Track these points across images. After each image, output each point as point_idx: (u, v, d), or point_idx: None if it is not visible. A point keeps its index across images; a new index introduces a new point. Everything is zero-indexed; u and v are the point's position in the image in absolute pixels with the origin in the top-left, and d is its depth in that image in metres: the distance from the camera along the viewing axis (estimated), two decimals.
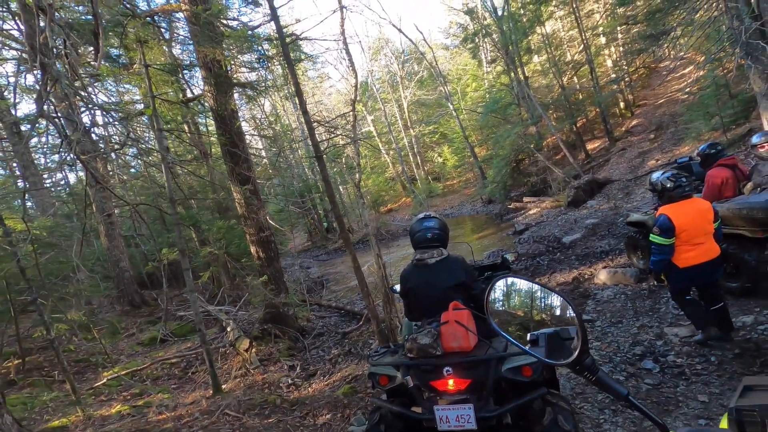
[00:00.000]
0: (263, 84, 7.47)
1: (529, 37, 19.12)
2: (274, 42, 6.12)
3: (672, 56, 19.41)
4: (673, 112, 15.64)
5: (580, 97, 19.66)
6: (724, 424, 0.80)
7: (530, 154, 17.28)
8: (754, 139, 4.60)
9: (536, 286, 0.63)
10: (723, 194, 4.73)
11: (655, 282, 5.26)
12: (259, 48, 6.53)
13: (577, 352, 0.57)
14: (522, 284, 0.66)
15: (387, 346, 2.85)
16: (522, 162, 18.35)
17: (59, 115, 4.25)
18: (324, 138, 7.21)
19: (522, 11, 18.87)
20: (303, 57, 7.70)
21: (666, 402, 3.30)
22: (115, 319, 8.89)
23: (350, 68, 6.01)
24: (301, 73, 20.14)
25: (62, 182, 14.62)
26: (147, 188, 13.62)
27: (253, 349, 6.58)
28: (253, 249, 7.17)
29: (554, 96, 19.53)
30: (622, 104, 19.76)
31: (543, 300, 0.63)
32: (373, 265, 6.02)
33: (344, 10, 5.59)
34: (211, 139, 10.85)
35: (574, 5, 17.70)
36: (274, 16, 5.32)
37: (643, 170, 12.30)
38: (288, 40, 5.76)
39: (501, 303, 0.68)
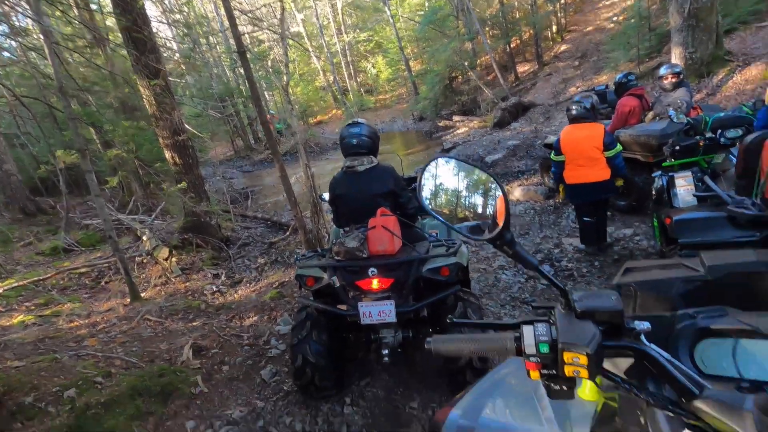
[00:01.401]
0: None
1: None
2: None
3: None
4: (598, 41, 16.18)
5: (517, 15, 19.43)
6: None
7: (464, 72, 17.17)
8: (661, 71, 4.97)
9: (467, 165, 0.64)
10: (629, 122, 5.18)
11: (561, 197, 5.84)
12: None
13: (499, 228, 0.59)
14: (453, 164, 0.66)
15: (315, 251, 2.90)
16: (455, 80, 18.24)
17: None
18: (247, 31, 6.39)
19: None
20: None
21: (555, 298, 3.86)
22: (4, 227, 7.92)
23: None
24: None
25: None
26: (28, 78, 11.43)
27: (174, 258, 6.37)
28: (167, 154, 6.56)
29: (493, 12, 19.05)
30: (554, 27, 19.93)
31: (472, 178, 0.64)
32: (302, 175, 5.88)
33: None
34: (108, 24, 9.15)
35: None
36: None
37: (565, 96, 12.93)
38: None
39: (432, 183, 0.68)
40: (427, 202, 0.69)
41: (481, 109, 15.56)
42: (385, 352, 2.52)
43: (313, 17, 28.05)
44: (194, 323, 4.19)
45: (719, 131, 3.73)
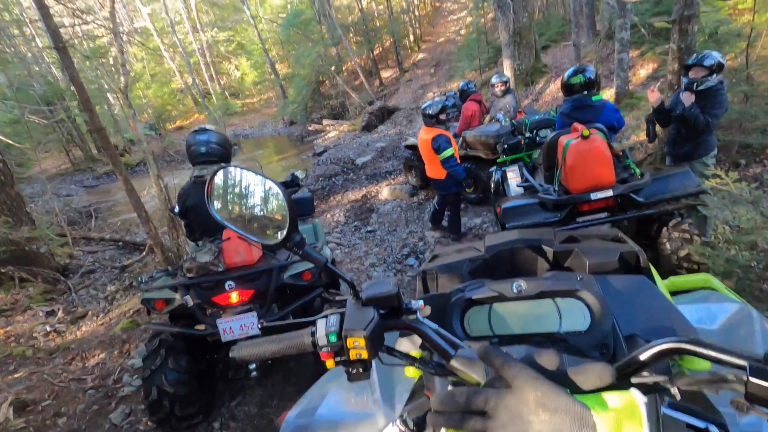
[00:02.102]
0: None
1: None
2: None
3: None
4: (449, 51, 18.00)
5: (378, 24, 20.47)
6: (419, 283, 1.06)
7: (331, 77, 17.43)
8: (492, 80, 5.76)
9: (252, 174, 0.66)
10: (472, 124, 5.88)
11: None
12: None
13: (285, 232, 0.63)
14: (239, 173, 0.67)
15: (164, 270, 2.64)
16: (323, 84, 18.40)
17: None
18: (69, 24, 5.44)
19: None
20: None
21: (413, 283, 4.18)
22: None
23: None
24: None
25: None
26: None
27: None
28: None
29: (354, 18, 19.72)
30: (411, 37, 21.53)
31: (258, 185, 0.66)
32: (154, 186, 5.28)
33: None
34: None
35: None
36: None
37: (423, 101, 14.06)
38: None
39: (222, 193, 0.69)
40: (216, 212, 0.69)
41: (349, 113, 15.99)
42: (252, 366, 2.43)
43: (163, 12, 25.39)
44: (17, 374, 3.45)
45: (535, 131, 4.49)
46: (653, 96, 3.28)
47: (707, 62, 2.92)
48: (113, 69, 16.66)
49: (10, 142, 8.09)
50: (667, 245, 2.70)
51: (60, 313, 5.10)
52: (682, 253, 2.63)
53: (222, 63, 30.35)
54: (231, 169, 0.68)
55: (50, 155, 19.10)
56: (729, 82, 4.63)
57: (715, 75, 2.91)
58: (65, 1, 4.40)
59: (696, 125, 2.98)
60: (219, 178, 0.68)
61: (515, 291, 0.77)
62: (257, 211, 0.66)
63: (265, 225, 0.66)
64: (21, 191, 6.54)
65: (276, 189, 0.63)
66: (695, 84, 2.98)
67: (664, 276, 1.72)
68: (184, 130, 24.47)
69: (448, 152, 4.23)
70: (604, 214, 2.76)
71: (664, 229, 2.72)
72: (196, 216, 2.66)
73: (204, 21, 28.20)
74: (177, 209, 2.85)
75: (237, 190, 0.67)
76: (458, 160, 4.38)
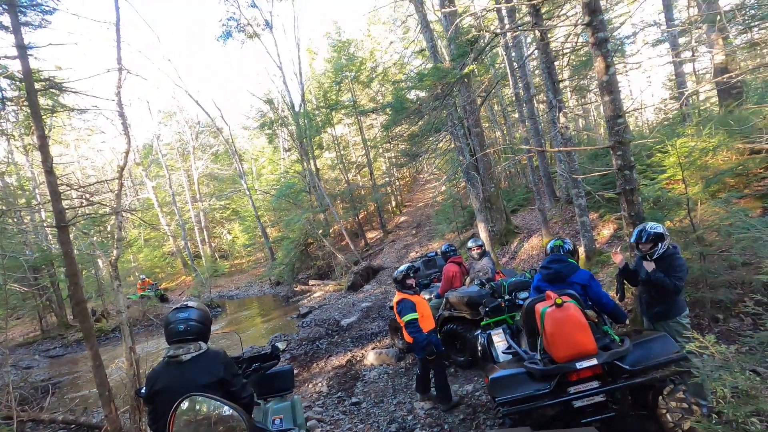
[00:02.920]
0: None
1: (321, 135, 21.45)
2: (18, 83, 5.02)
3: (427, 171, 24.85)
4: (428, 214, 19.63)
5: (362, 193, 22.69)
6: None
7: (318, 239, 18.37)
8: (468, 244, 6.16)
9: (216, 403, 0.67)
10: (454, 284, 6.04)
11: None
12: None
13: None
14: (204, 403, 0.68)
15: None
16: (310, 246, 19.26)
17: None
18: (76, 205, 5.91)
19: (317, 111, 21.27)
20: (59, 108, 6.45)
21: None
22: None
23: (124, 133, 5.37)
24: (60, 122, 16.75)
25: None
26: None
27: None
28: None
29: (341, 189, 21.91)
30: (393, 203, 23.67)
31: (222, 413, 0.67)
32: (125, 360, 4.96)
33: (123, 72, 5.11)
34: None
35: (358, 117, 21.07)
36: (21, 54, 4.43)
37: (407, 260, 14.63)
38: (39, 86, 4.82)
39: (186, 423, 0.68)
40: None
41: (335, 272, 16.36)
42: None
43: (166, 185, 27.90)
44: None
45: (514, 293, 4.62)
46: (617, 258, 3.52)
47: (645, 239, 3.22)
48: (108, 237, 17.37)
49: None
50: (668, 417, 2.55)
51: None
52: (686, 425, 2.47)
53: (215, 227, 32.07)
54: (195, 397, 0.69)
55: (21, 322, 18.28)
56: (683, 242, 5.05)
57: (660, 244, 3.19)
58: (78, 188, 4.91)
59: (665, 288, 3.12)
60: (183, 406, 0.69)
61: None
62: None
63: None
64: None
65: (239, 418, 0.63)
66: (648, 255, 3.24)
67: None
68: (168, 291, 24.27)
69: (407, 317, 4.17)
70: (595, 383, 2.66)
71: (660, 397, 2.61)
72: (163, 402, 2.43)
73: (203, 192, 30.84)
74: (144, 391, 2.64)
75: (199, 419, 0.67)
76: (423, 328, 4.26)
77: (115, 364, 6.82)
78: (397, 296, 4.41)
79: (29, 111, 4.78)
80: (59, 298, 17.74)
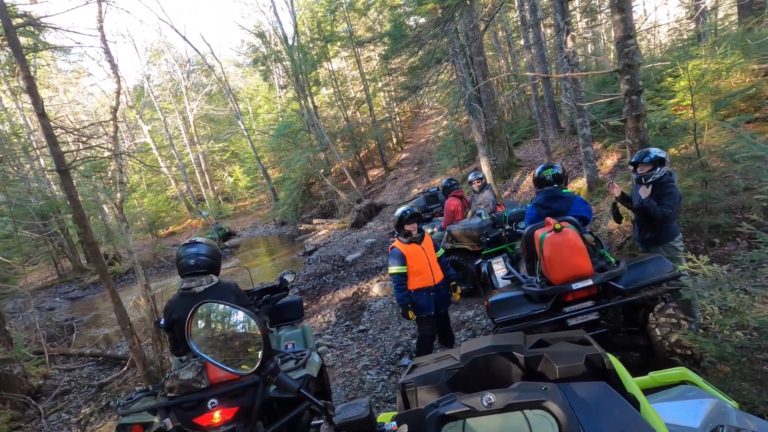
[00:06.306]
0: None
1: (318, 70, 20.56)
2: None
3: (428, 105, 24.13)
4: (430, 150, 19.37)
5: (362, 130, 22.23)
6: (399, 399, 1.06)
7: (319, 179, 18.35)
8: (469, 177, 6.15)
9: (229, 308, 0.72)
10: (456, 218, 6.13)
11: None
12: None
13: (260, 360, 0.67)
14: (219, 308, 0.73)
15: (144, 390, 2.52)
16: (312, 185, 19.29)
17: None
18: (73, 149, 5.86)
19: (311, 44, 20.22)
20: (41, 47, 6.15)
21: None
22: None
23: (112, 72, 5.16)
24: (44, 63, 16.04)
25: None
26: None
27: None
28: None
29: (340, 127, 21.43)
30: (394, 139, 23.26)
31: (234, 317, 0.71)
32: (141, 298, 5.22)
33: (102, 3, 4.80)
34: None
35: (356, 49, 20.04)
36: None
37: (409, 197, 14.71)
38: (16, 22, 4.57)
39: (201, 326, 0.74)
40: (195, 344, 0.74)
41: (338, 211, 16.54)
42: None
43: (162, 128, 27.38)
44: None
45: (514, 223, 4.69)
46: (614, 189, 3.57)
47: (647, 159, 3.23)
48: (111, 182, 17.41)
49: (1, 258, 8.09)
50: (657, 331, 2.70)
51: None
52: (673, 338, 2.62)
53: (216, 170, 31.94)
54: (208, 303, 0.74)
55: (38, 267, 18.92)
56: (686, 169, 5.02)
57: (659, 168, 3.19)
58: (73, 130, 4.83)
59: (654, 216, 3.18)
60: (199, 312, 0.74)
61: (485, 405, 0.79)
62: (233, 341, 0.71)
63: (240, 354, 0.70)
64: (3, 307, 6.37)
65: (251, 320, 0.68)
66: (644, 178, 3.26)
67: (655, 366, 1.72)
68: (176, 235, 24.79)
69: (392, 269, 3.68)
70: (589, 303, 2.79)
71: (651, 314, 2.75)
72: (181, 329, 2.62)
73: (201, 134, 30.30)
74: (163, 322, 2.82)
75: (215, 322, 0.73)
76: (412, 284, 3.69)
77: (133, 304, 7.17)
78: (393, 243, 3.90)
79: (10, 51, 4.57)
80: (71, 243, 18.20)
